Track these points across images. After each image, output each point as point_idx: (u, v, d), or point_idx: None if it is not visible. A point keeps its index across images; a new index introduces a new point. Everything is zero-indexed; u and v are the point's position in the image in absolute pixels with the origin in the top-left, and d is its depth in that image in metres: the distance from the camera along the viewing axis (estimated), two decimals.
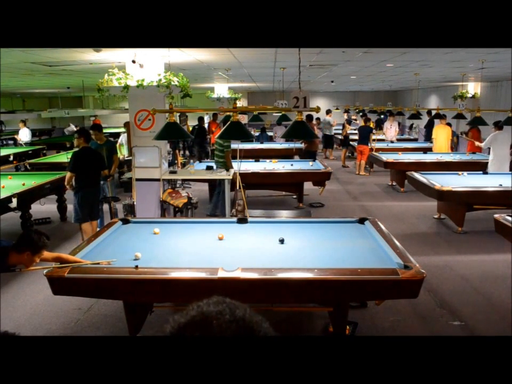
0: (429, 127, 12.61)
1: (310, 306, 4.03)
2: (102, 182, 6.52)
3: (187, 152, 14.62)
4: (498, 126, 8.47)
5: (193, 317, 0.72)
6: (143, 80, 5.86)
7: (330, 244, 3.81)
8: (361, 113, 15.42)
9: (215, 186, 7.71)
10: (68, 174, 5.81)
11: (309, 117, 10.86)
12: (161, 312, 4.14)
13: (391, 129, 13.60)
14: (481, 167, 8.51)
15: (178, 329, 0.71)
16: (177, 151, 11.11)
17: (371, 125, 11.91)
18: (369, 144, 11.47)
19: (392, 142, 13.24)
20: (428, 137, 12.54)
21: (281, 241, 3.81)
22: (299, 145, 11.15)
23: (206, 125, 13.39)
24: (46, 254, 3.22)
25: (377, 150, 11.23)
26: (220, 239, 3.94)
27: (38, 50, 5.66)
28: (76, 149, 6.20)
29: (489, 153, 9.93)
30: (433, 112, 11.55)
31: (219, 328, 0.69)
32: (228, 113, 9.17)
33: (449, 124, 11.03)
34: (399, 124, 16.71)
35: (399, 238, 4.05)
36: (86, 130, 6.32)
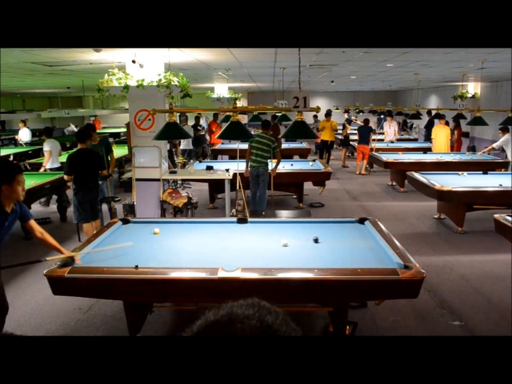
0: (429, 127, 12.62)
1: (310, 306, 4.03)
2: (101, 182, 6.51)
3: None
4: (506, 129, 8.96)
5: (221, 316, 0.71)
6: (143, 80, 5.86)
7: (330, 244, 3.81)
8: (357, 113, 15.44)
9: (216, 186, 7.72)
10: (64, 177, 5.96)
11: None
12: (161, 312, 4.15)
13: (390, 130, 13.59)
14: (481, 167, 8.52)
15: (205, 327, 0.71)
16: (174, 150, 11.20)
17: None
18: (370, 144, 11.49)
19: (392, 142, 13.24)
20: (428, 137, 12.56)
21: (316, 240, 3.80)
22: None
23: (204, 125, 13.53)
24: (51, 241, 3.34)
25: (377, 150, 11.23)
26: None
27: (38, 50, 5.66)
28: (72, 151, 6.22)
29: (489, 154, 9.99)
30: (433, 112, 11.58)
31: (242, 332, 0.68)
32: (227, 114, 9.17)
33: (447, 123, 11.05)
34: (399, 124, 16.71)
35: (399, 238, 4.05)
36: (78, 132, 6.28)
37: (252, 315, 0.70)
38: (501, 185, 6.59)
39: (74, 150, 6.12)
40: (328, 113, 13.25)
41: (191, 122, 13.84)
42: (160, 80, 5.90)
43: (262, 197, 7.29)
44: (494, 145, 9.41)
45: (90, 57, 6.40)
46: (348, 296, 3.36)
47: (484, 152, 9.94)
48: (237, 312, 0.71)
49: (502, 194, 6.33)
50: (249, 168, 7.31)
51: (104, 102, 16.78)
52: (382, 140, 13.64)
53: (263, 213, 5.80)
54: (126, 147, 8.30)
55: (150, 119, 6.31)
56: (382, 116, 16.55)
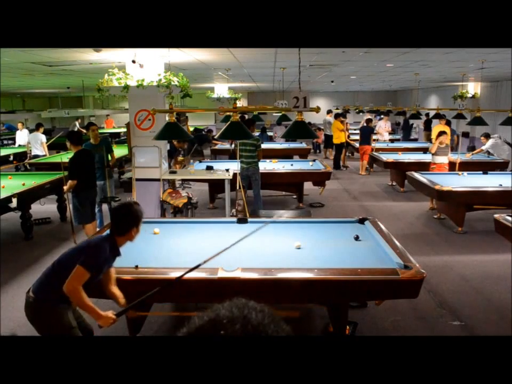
0: (426, 129, 12.63)
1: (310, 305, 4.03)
2: (102, 183, 6.51)
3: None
4: (488, 136, 9.62)
5: (206, 322, 0.70)
6: (143, 80, 5.86)
7: (330, 244, 3.81)
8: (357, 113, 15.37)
9: (216, 186, 7.72)
10: (70, 182, 5.69)
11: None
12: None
13: (383, 129, 13.47)
14: (481, 167, 8.51)
15: (189, 332, 0.70)
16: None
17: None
18: (371, 144, 11.50)
19: (392, 141, 13.21)
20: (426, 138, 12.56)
21: (356, 238, 3.83)
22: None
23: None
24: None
25: (377, 150, 11.23)
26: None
27: (38, 50, 5.66)
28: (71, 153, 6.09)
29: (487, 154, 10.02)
30: (431, 114, 11.59)
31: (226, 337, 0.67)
32: (228, 114, 9.16)
33: (448, 123, 11.04)
34: (399, 124, 16.63)
35: (399, 238, 4.04)
36: (72, 134, 6.23)
37: (236, 318, 0.69)
38: (501, 185, 6.59)
39: (72, 153, 5.92)
40: (340, 114, 13.18)
41: (193, 122, 13.95)
42: (160, 80, 5.90)
43: (257, 196, 7.32)
44: (483, 147, 9.54)
45: (90, 57, 6.40)
46: (348, 296, 3.36)
47: (472, 154, 9.90)
48: (221, 317, 0.69)
49: (502, 194, 6.33)
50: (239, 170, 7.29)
51: (104, 102, 16.77)
52: (376, 140, 13.59)
53: (261, 211, 5.80)
54: (126, 147, 8.30)
55: (150, 119, 6.31)
56: (376, 116, 16.50)
